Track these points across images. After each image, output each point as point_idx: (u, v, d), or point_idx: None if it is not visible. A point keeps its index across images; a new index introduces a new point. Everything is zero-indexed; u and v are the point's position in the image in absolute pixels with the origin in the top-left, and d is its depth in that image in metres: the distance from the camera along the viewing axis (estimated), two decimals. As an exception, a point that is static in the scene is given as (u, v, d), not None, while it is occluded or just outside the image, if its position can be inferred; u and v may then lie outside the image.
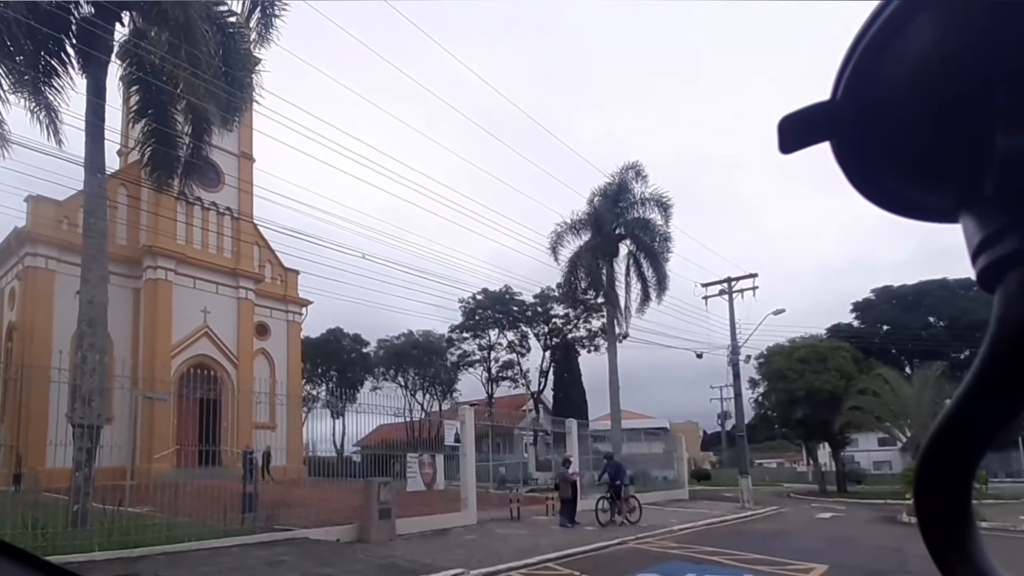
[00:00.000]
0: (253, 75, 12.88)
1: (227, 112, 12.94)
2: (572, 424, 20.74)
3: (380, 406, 17.81)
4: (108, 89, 12.05)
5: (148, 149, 12.37)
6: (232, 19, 12.85)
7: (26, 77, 11.11)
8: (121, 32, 12.21)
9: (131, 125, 12.29)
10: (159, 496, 12.94)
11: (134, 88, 12.32)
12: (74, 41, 11.19)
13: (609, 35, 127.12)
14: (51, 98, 11.81)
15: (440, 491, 14.93)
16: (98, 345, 10.37)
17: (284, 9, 13.17)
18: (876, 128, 0.39)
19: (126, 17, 12.13)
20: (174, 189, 13.36)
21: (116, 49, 11.88)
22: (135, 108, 12.33)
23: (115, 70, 12.86)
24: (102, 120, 10.95)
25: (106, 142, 11.99)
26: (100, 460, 13.96)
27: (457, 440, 15.78)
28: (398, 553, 10.25)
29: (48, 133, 11.94)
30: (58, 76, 11.76)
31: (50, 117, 11.89)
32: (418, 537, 12.45)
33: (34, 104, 11.83)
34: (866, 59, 0.37)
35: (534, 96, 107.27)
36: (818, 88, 0.42)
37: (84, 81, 11.39)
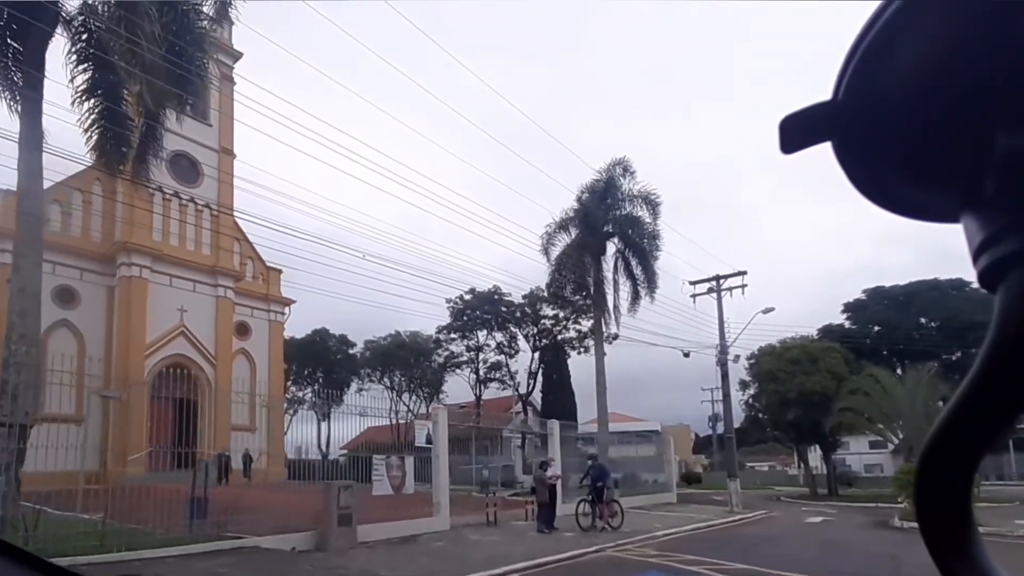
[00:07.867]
0: (207, 56, 12.19)
1: (185, 92, 12.25)
2: (554, 425, 20.07)
3: (364, 408, 17.28)
4: (61, 67, 11.33)
5: (95, 131, 11.62)
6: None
7: None
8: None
9: (78, 104, 11.46)
10: (113, 501, 12.16)
11: (81, 67, 11.56)
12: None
13: (620, 43, 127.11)
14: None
15: (409, 495, 14.16)
16: (29, 337, 9.59)
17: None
18: (877, 128, 0.38)
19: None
20: (127, 174, 12.63)
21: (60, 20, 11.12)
22: (82, 88, 11.56)
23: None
24: (40, 94, 10.20)
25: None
26: (64, 463, 13.12)
27: (429, 441, 15.04)
28: (355, 563, 9.52)
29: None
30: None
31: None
32: (384, 544, 11.73)
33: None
34: (867, 59, 0.36)
35: (547, 103, 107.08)
36: (820, 89, 0.42)
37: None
